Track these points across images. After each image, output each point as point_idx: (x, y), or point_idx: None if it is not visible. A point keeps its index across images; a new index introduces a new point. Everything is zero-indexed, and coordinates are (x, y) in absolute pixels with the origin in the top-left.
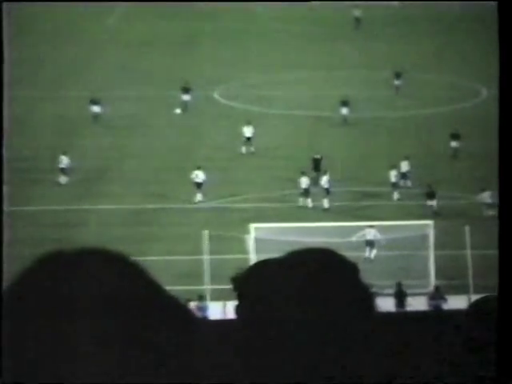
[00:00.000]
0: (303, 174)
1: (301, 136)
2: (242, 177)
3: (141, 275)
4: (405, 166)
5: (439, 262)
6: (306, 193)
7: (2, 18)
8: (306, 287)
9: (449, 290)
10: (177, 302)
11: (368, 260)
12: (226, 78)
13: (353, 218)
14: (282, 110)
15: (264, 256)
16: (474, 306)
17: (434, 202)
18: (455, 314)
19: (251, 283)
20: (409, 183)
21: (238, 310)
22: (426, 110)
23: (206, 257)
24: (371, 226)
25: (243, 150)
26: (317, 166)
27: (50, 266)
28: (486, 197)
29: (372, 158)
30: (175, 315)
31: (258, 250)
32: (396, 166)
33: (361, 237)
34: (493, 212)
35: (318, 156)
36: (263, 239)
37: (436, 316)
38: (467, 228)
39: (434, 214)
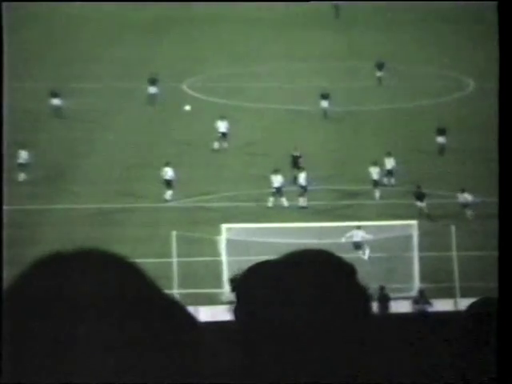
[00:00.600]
0: (276, 171)
1: (278, 131)
2: (215, 174)
3: (140, 276)
4: (389, 163)
5: (424, 265)
6: (278, 192)
7: (2, 18)
8: (305, 288)
9: (434, 293)
10: (176, 303)
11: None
12: (195, 69)
13: (332, 218)
14: (257, 104)
15: (236, 258)
16: (472, 307)
17: (423, 204)
18: (453, 315)
19: (249, 284)
20: (393, 181)
21: (236, 311)
22: (411, 102)
23: (174, 259)
24: (358, 227)
25: (216, 145)
26: (296, 164)
27: (48, 267)
28: (466, 198)
29: (353, 154)
30: (174, 317)
31: (229, 252)
32: (377, 163)
33: (348, 238)
34: (472, 213)
35: (297, 153)
36: (236, 240)
37: (434, 318)
38: (453, 228)
39: (425, 217)
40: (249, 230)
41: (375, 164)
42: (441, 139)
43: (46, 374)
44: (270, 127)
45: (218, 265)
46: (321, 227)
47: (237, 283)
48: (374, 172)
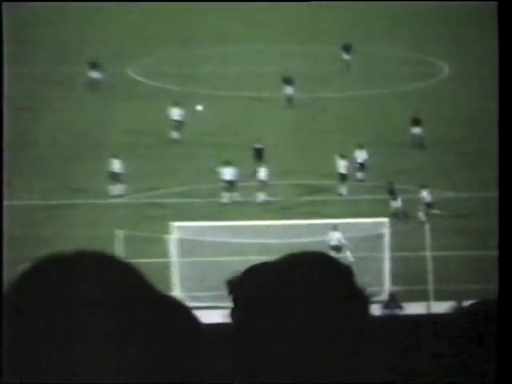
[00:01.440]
0: (227, 163)
1: (237, 120)
2: (167, 167)
3: (140, 279)
4: (361, 156)
5: (395, 266)
6: (231, 186)
7: (2, 18)
8: (302, 290)
9: (406, 296)
10: (178, 305)
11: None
12: (140, 52)
13: (296, 215)
14: (212, 90)
15: (189, 260)
16: (469, 310)
17: (398, 203)
18: (451, 318)
19: (246, 286)
20: (363, 176)
21: (232, 313)
22: (381, 89)
23: None
24: (335, 228)
25: (173, 135)
26: (260, 157)
27: (49, 268)
28: (425, 195)
29: (319, 145)
30: (176, 319)
31: (181, 253)
32: (345, 155)
33: (328, 240)
34: (436, 212)
35: (260, 145)
36: (188, 240)
37: (432, 320)
38: (427, 227)
39: (402, 217)
40: (203, 228)
41: (343, 156)
42: (416, 130)
43: (46, 374)
44: (228, 116)
45: (168, 267)
46: (283, 225)
47: (234, 285)
48: (342, 165)
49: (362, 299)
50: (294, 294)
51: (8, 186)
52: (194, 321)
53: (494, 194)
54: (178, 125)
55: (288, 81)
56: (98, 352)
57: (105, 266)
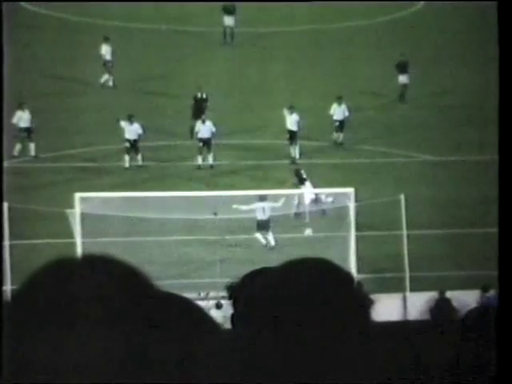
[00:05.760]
0: (130, 117)
1: (166, 60)
2: (74, 122)
3: (147, 283)
4: (340, 111)
5: (363, 248)
6: (132, 147)
7: (2, 18)
8: (303, 297)
9: (376, 286)
10: (185, 308)
11: (268, 248)
12: None
13: (235, 183)
14: (134, 24)
15: (96, 241)
16: (469, 314)
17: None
18: (452, 322)
19: (246, 292)
20: (341, 137)
21: (233, 319)
22: (347, 21)
23: (6, 243)
24: (263, 198)
25: (103, 79)
26: (201, 109)
27: (55, 272)
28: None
29: (268, 95)
30: (182, 322)
31: (86, 232)
32: (293, 107)
33: (249, 212)
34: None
35: (203, 95)
36: (95, 216)
37: (433, 324)
38: (402, 198)
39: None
40: (113, 200)
41: (291, 108)
42: (402, 78)
43: (46, 375)
44: (156, 55)
45: (69, 249)
46: (217, 197)
47: (234, 290)
48: (292, 120)
49: (363, 306)
50: (295, 300)
51: None
52: (199, 324)
53: (479, 157)
54: (110, 66)
55: (228, 9)
56: (98, 351)
57: (111, 270)
